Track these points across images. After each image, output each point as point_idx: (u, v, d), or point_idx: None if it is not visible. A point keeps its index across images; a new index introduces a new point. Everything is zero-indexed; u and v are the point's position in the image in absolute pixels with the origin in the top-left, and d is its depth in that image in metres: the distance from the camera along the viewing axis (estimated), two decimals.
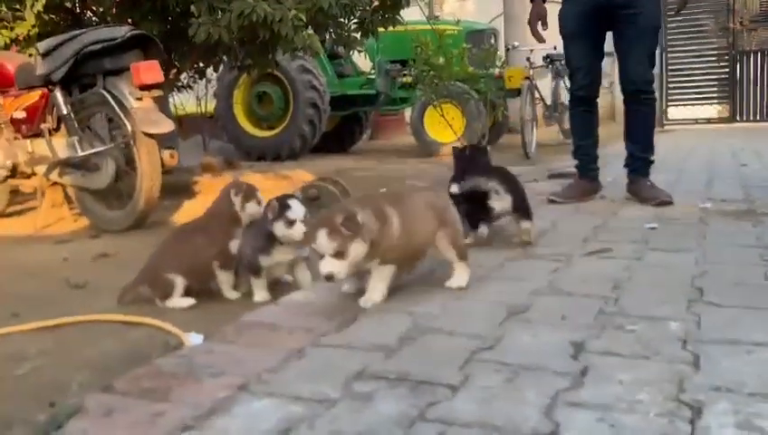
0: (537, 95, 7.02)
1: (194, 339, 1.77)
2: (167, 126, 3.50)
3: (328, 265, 1.59)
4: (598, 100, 3.48)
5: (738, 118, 10.24)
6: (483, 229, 2.32)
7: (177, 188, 4.84)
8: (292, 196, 1.95)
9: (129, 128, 3.37)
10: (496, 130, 7.76)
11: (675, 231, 2.52)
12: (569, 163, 5.66)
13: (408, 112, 8.33)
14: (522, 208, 2.30)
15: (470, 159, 2.67)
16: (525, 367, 1.26)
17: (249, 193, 2.02)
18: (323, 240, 1.59)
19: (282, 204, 1.86)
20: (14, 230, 3.73)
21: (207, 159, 6.16)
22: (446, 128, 6.60)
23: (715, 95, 10.53)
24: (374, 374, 1.26)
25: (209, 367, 1.35)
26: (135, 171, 3.49)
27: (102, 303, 2.15)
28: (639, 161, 3.34)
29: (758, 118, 10.18)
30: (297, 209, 1.85)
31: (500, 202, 2.26)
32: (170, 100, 6.43)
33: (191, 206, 4.30)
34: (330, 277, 1.59)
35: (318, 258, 1.61)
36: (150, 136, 3.43)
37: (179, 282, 2.07)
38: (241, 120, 7.71)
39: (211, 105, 7.94)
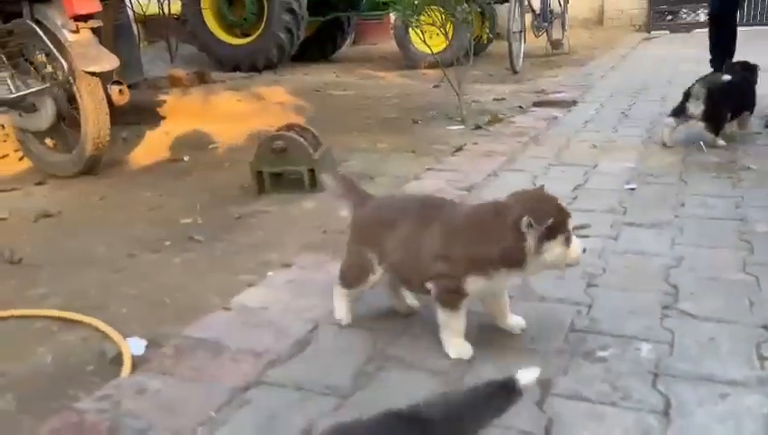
0: (527, 3, 6.59)
1: (134, 348, 1.62)
2: (110, 62, 3.17)
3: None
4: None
5: (738, 20, 9.84)
6: None
7: (139, 110, 4.37)
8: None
9: (66, 65, 3.05)
10: (485, 39, 7.35)
11: (653, 195, 2.39)
12: (556, 80, 5.48)
13: (393, 16, 7.82)
14: None
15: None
16: None
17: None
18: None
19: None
20: None
21: (175, 71, 5.70)
22: (431, 38, 6.20)
23: None
24: None
25: (136, 418, 1.21)
26: (79, 112, 3.22)
27: (39, 286, 1.94)
28: None
29: (749, 21, 9.81)
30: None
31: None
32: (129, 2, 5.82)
33: (154, 138, 4.00)
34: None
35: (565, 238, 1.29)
36: (92, 74, 3.12)
37: None
38: (212, 26, 7.11)
39: (177, 4, 7.24)
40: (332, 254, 1.90)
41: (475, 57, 6.96)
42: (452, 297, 1.32)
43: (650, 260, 1.81)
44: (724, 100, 3.01)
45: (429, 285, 1.33)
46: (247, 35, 7.06)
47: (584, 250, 1.33)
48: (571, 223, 1.30)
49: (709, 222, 2.09)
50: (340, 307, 1.51)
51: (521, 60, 6.14)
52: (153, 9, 7.16)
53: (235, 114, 4.59)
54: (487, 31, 6.03)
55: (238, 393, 1.28)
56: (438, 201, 1.46)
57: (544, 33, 7.31)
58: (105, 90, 3.24)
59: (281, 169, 2.71)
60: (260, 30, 6.92)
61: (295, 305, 1.62)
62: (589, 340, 1.41)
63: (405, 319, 1.51)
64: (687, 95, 3.03)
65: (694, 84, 3.02)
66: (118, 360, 1.55)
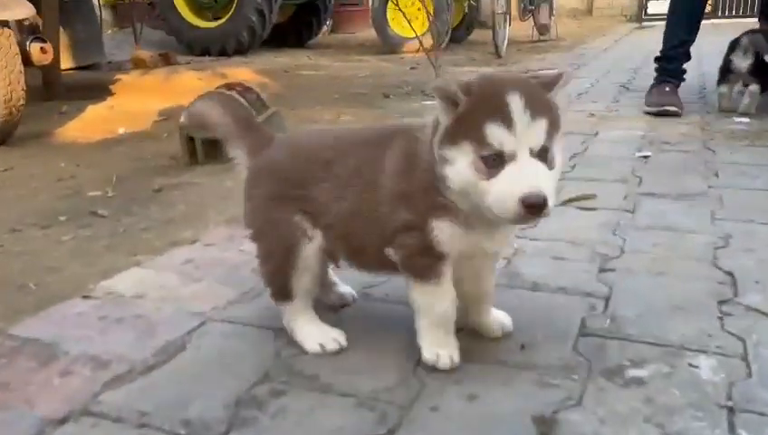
0: None
1: None
2: (22, 9, 2.74)
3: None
4: None
5: (720, 13, 9.51)
6: None
7: (92, 87, 4.11)
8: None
9: None
10: (466, 25, 7.00)
11: (673, 164, 1.92)
12: (544, 65, 5.08)
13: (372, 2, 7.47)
14: None
15: None
16: None
17: None
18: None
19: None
20: None
21: (138, 52, 5.52)
22: (411, 21, 5.83)
23: None
24: None
25: None
26: None
27: None
28: None
29: (741, 13, 9.48)
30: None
31: None
32: None
33: (95, 112, 3.59)
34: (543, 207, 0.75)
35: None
36: (2, 24, 2.66)
37: None
38: (181, 8, 6.74)
39: None
40: None
41: (458, 44, 6.64)
42: (425, 261, 0.84)
43: (686, 238, 1.33)
44: None
45: (390, 251, 0.85)
46: (217, 18, 6.69)
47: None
48: None
49: (756, 193, 1.62)
50: (303, 333, 0.95)
51: (505, 44, 5.73)
52: None
53: (191, 90, 4.19)
54: (469, 1, 5.56)
55: (48, 428, 0.78)
56: (392, 127, 0.95)
57: (530, 18, 6.94)
58: (23, 47, 2.81)
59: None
60: (231, 12, 6.55)
61: (183, 293, 1.13)
62: (612, 350, 0.92)
63: (333, 315, 1.01)
64: (733, 47, 2.60)
65: (742, 35, 2.59)
66: None
